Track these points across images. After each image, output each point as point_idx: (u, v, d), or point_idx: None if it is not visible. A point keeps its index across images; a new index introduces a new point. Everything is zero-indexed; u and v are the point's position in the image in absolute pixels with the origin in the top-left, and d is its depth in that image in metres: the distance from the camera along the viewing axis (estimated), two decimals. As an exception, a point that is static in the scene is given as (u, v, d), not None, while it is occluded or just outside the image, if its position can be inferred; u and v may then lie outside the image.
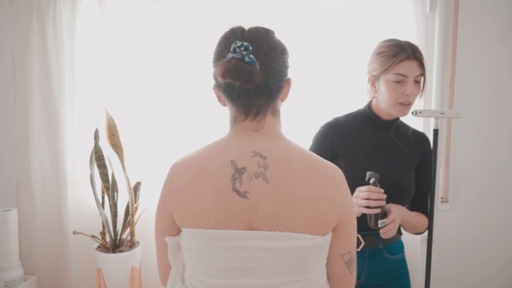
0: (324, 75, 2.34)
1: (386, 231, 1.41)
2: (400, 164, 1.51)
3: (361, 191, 1.39)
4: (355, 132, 1.52)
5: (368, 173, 1.41)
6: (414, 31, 2.27)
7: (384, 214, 1.39)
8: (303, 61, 2.31)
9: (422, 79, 1.46)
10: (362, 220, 1.43)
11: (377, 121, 1.52)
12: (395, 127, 1.53)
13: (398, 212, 1.44)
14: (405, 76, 1.42)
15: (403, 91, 1.42)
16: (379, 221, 1.39)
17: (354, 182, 1.44)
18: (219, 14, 2.35)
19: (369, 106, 1.54)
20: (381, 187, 1.40)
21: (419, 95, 1.48)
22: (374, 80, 1.49)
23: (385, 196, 1.39)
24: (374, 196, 1.37)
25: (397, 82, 1.42)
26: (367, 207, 1.38)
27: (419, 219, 1.57)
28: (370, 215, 1.39)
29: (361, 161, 1.46)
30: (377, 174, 1.39)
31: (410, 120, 1.62)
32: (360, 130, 1.53)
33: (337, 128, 1.54)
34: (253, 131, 0.98)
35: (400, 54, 1.41)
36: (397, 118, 1.52)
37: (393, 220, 1.42)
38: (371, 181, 1.39)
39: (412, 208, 1.60)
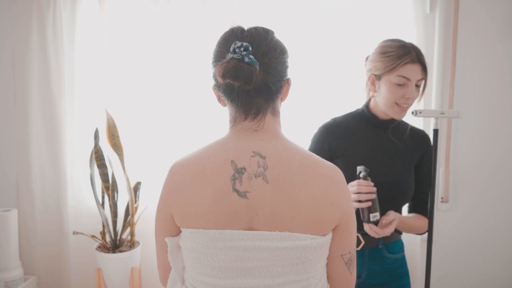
0: (324, 75, 2.34)
1: (379, 232, 1.41)
2: (399, 163, 1.51)
3: (352, 185, 1.40)
4: (353, 132, 1.53)
5: (358, 168, 1.42)
6: (414, 31, 2.27)
7: (375, 208, 1.40)
8: (303, 61, 2.31)
9: (423, 83, 1.46)
10: (361, 220, 1.43)
11: (375, 121, 1.52)
12: (394, 126, 1.53)
13: (395, 215, 1.45)
14: (407, 79, 1.41)
15: (404, 93, 1.42)
16: (371, 215, 1.40)
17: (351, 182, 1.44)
18: (219, 14, 2.35)
19: (367, 106, 1.54)
20: (379, 185, 1.41)
21: (417, 99, 1.48)
22: (374, 79, 1.49)
23: (375, 189, 1.39)
24: (364, 189, 1.38)
25: (399, 84, 1.42)
26: (359, 201, 1.38)
27: (419, 222, 1.56)
28: (362, 209, 1.40)
29: (359, 161, 1.46)
30: (367, 168, 1.40)
31: (410, 120, 1.61)
32: (358, 130, 1.53)
33: (335, 129, 1.54)
34: (252, 131, 0.98)
35: (405, 56, 1.41)
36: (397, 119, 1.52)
37: (392, 221, 1.42)
38: (361, 175, 1.40)
39: (413, 207, 1.60)
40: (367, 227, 1.42)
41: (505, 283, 2.42)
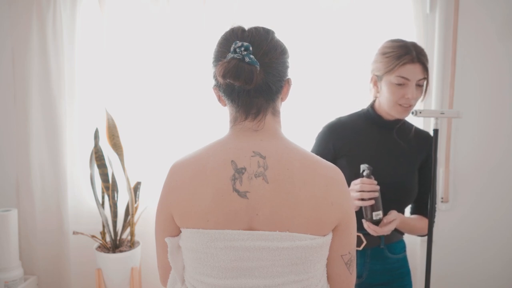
0: (324, 75, 2.34)
1: (378, 230, 1.41)
2: (404, 164, 1.51)
3: (355, 184, 1.40)
4: (357, 132, 1.52)
5: (361, 166, 1.42)
6: (414, 31, 2.27)
7: (378, 207, 1.40)
8: (303, 61, 2.31)
9: (425, 82, 1.46)
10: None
11: (380, 121, 1.52)
12: (398, 127, 1.53)
13: (397, 215, 1.45)
14: (407, 79, 1.41)
15: (404, 93, 1.42)
16: (374, 213, 1.40)
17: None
18: (219, 14, 2.35)
19: (372, 106, 1.54)
20: (383, 186, 1.41)
21: (421, 99, 1.48)
22: (376, 80, 1.49)
23: (378, 187, 1.39)
24: (367, 188, 1.38)
25: (399, 84, 1.42)
26: (362, 199, 1.38)
27: (420, 223, 1.56)
28: (365, 207, 1.40)
29: (363, 161, 1.46)
30: (370, 167, 1.40)
31: (410, 120, 1.62)
32: (363, 130, 1.53)
33: (340, 129, 1.54)
34: (253, 131, 0.97)
35: (404, 57, 1.40)
36: (400, 118, 1.52)
37: (392, 221, 1.42)
38: (365, 173, 1.40)
39: (415, 209, 1.60)
40: (365, 224, 1.42)
41: (505, 283, 2.42)
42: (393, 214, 1.44)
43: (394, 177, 1.47)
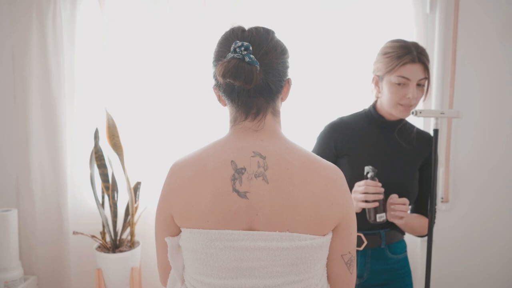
0: (325, 75, 2.34)
1: (394, 215, 1.41)
2: (404, 164, 1.51)
3: (359, 185, 1.40)
4: (359, 132, 1.52)
5: (366, 168, 1.42)
6: (414, 31, 2.27)
7: (382, 208, 1.40)
8: (303, 61, 2.31)
9: (426, 82, 1.46)
10: (365, 219, 1.43)
11: (381, 122, 1.52)
12: (400, 128, 1.53)
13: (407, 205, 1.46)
14: (407, 79, 1.41)
15: (405, 93, 1.42)
16: (377, 215, 1.40)
17: (357, 181, 1.44)
18: (219, 14, 2.35)
19: (373, 106, 1.54)
20: (383, 185, 1.41)
21: (422, 99, 1.48)
22: (378, 80, 1.49)
23: (382, 190, 1.39)
24: (371, 190, 1.38)
25: (400, 84, 1.42)
26: (366, 201, 1.38)
27: (420, 222, 1.56)
28: (369, 209, 1.40)
29: (365, 161, 1.46)
30: (375, 169, 1.40)
31: (410, 120, 1.62)
32: (364, 130, 1.53)
33: (341, 128, 1.54)
34: (253, 131, 0.97)
35: (405, 57, 1.41)
36: (402, 119, 1.52)
37: (405, 203, 1.42)
38: (369, 175, 1.40)
39: (415, 209, 1.60)
40: (396, 218, 1.42)
41: (504, 282, 2.42)
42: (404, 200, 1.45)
43: (395, 177, 1.48)
